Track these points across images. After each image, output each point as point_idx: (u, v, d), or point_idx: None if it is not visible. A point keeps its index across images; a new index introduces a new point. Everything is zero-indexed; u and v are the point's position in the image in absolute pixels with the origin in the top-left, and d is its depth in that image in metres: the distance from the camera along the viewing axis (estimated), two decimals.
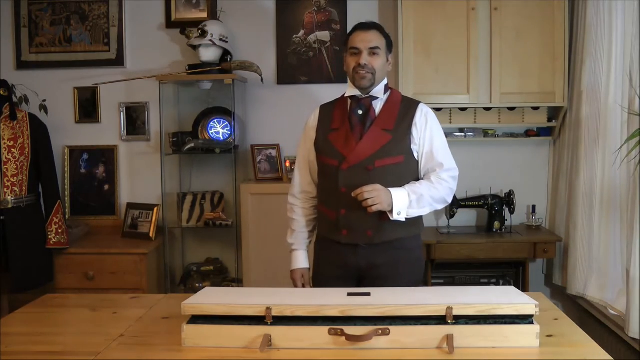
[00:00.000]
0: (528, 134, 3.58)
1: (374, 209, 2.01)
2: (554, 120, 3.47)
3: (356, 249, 2.16)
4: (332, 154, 2.17)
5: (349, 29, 3.56)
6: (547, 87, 3.33)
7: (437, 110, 3.17)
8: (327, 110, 2.29)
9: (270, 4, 3.65)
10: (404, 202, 2.06)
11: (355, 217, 2.11)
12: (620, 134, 2.86)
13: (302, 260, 2.35)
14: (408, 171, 2.17)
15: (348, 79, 2.23)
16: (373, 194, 2.00)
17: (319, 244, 2.30)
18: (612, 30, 2.87)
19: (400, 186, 2.09)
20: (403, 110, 2.19)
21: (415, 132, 2.16)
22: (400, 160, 2.14)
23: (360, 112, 2.18)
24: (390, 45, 2.24)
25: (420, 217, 2.21)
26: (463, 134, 3.52)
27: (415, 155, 2.17)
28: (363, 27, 2.20)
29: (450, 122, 3.45)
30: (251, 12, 3.65)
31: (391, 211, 2.04)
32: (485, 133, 3.57)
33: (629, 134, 2.50)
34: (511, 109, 3.44)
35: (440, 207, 2.20)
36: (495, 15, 3.30)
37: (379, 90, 2.20)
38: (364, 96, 2.19)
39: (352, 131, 2.16)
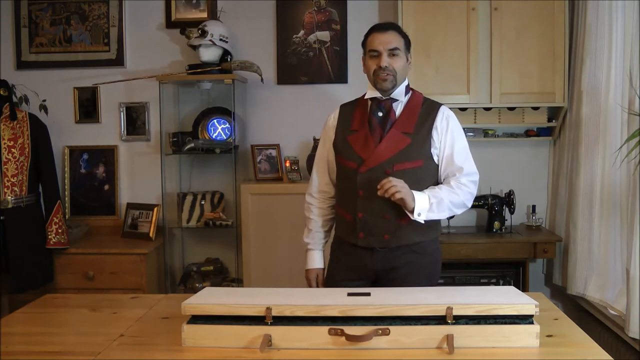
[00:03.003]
0: (528, 134, 3.57)
1: (398, 196, 1.97)
2: (554, 120, 3.47)
3: (372, 251, 2.14)
4: (351, 156, 2.14)
5: (349, 29, 3.64)
6: (547, 87, 3.33)
7: None
8: (347, 111, 2.25)
9: (270, 4, 3.65)
10: (425, 205, 2.04)
11: (372, 220, 2.10)
12: (620, 134, 2.86)
13: (317, 260, 2.33)
14: (427, 175, 2.14)
15: (368, 81, 2.19)
16: (399, 183, 1.98)
17: (335, 245, 2.28)
18: (612, 30, 2.87)
19: (420, 190, 2.06)
20: (424, 113, 2.16)
21: (436, 135, 2.13)
22: (420, 164, 2.11)
23: (380, 114, 2.15)
24: (408, 45, 2.19)
25: (438, 220, 2.19)
26: None
27: (435, 159, 2.14)
28: (380, 28, 2.15)
29: None
30: (251, 12, 3.65)
31: (412, 211, 2.02)
32: (485, 133, 3.57)
33: (629, 134, 2.51)
34: (511, 109, 3.44)
35: (460, 211, 2.17)
36: (495, 15, 3.29)
37: (399, 92, 2.16)
38: (384, 98, 2.16)
39: (372, 134, 2.13)
